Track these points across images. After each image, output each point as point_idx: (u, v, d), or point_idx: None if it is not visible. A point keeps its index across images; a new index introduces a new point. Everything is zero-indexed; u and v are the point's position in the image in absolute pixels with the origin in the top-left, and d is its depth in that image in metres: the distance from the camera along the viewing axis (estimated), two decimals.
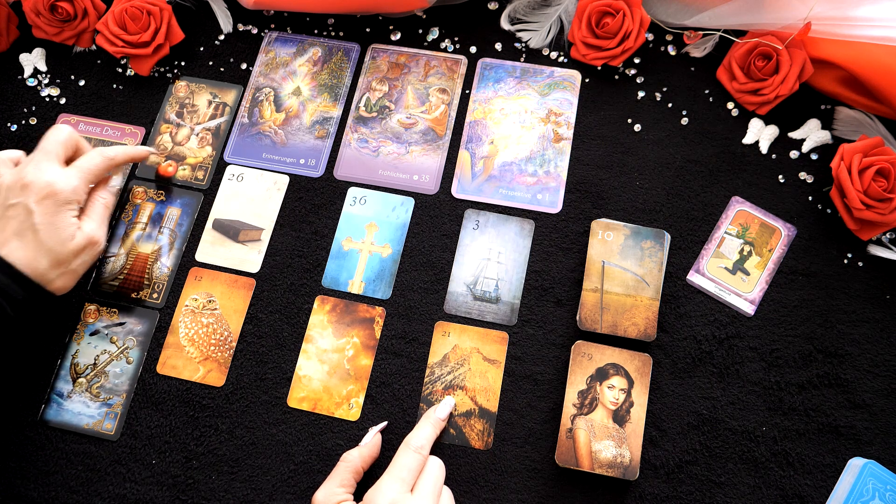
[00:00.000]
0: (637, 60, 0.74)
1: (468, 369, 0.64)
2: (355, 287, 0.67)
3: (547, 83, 0.74)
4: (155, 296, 0.68)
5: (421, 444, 0.57)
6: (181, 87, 0.76)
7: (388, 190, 0.71)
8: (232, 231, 0.70)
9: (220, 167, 0.72)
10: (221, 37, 0.78)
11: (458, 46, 0.76)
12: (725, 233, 0.67)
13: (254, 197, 0.71)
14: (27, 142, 0.74)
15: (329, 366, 0.65)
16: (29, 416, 0.64)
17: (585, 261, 0.64)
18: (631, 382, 0.60)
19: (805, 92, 0.71)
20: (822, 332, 0.64)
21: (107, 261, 0.69)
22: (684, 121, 0.72)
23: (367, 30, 0.78)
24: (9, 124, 0.75)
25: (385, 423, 0.62)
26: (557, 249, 0.68)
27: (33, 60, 0.77)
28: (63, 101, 0.76)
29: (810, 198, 0.68)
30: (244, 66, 0.77)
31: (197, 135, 0.74)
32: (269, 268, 0.68)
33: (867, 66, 0.65)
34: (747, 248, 0.67)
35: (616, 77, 0.74)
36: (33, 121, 0.75)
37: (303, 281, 0.68)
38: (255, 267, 0.68)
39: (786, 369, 0.63)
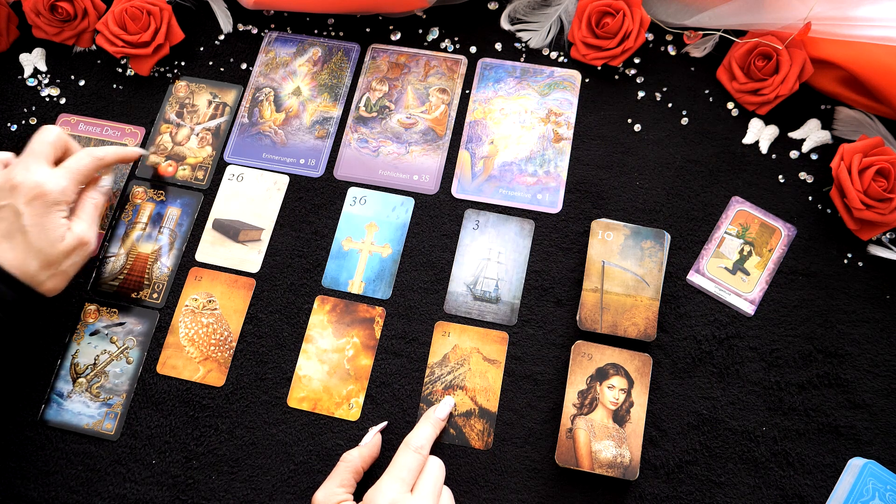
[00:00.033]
0: (637, 60, 0.74)
1: (468, 369, 0.64)
2: (355, 287, 0.67)
3: (547, 83, 0.74)
4: (155, 296, 0.68)
5: (421, 444, 0.57)
6: (181, 87, 0.76)
7: (388, 190, 0.71)
8: (232, 231, 0.70)
9: (220, 167, 0.72)
10: (221, 37, 0.78)
11: (458, 46, 0.76)
12: (725, 233, 0.67)
13: (254, 197, 0.71)
14: (27, 142, 0.74)
15: (329, 366, 0.65)
16: (29, 416, 0.64)
17: (585, 261, 0.64)
18: (631, 382, 0.60)
19: (805, 92, 0.71)
20: (822, 332, 0.64)
21: (107, 261, 0.69)
22: (684, 121, 0.72)
23: (367, 30, 0.78)
24: (9, 124, 0.75)
25: (385, 423, 0.62)
26: (557, 249, 0.68)
27: (33, 60, 0.77)
28: (63, 101, 0.76)
29: (810, 198, 0.68)
30: (244, 66, 0.77)
31: (197, 135, 0.74)
32: (269, 268, 0.68)
33: (867, 66, 0.65)
34: (747, 248, 0.67)
35: (616, 77, 0.74)
36: (33, 121, 0.75)
37: (303, 281, 0.68)
38: (255, 267, 0.68)
39: (786, 369, 0.63)
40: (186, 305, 0.67)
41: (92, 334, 0.67)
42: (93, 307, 0.67)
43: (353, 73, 0.76)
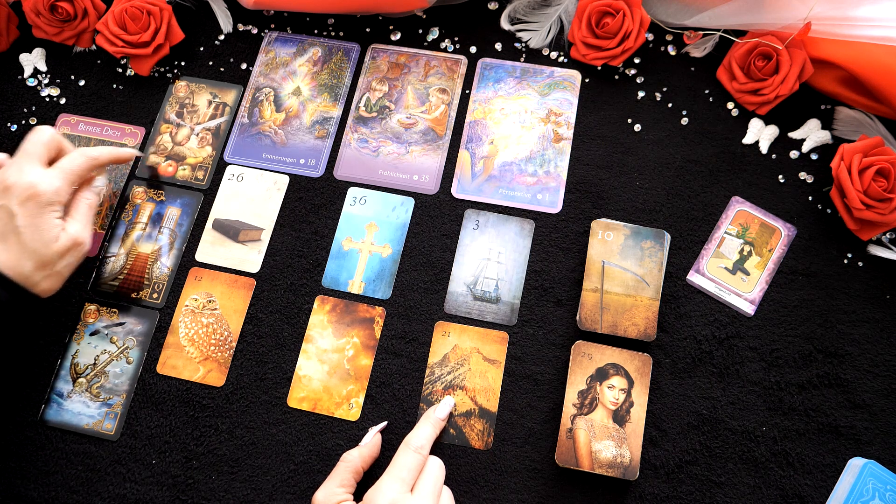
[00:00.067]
0: (637, 60, 0.74)
1: (468, 369, 0.64)
2: (355, 287, 0.67)
3: (547, 83, 0.74)
4: (155, 296, 0.68)
5: (421, 444, 0.57)
6: (181, 87, 0.76)
7: (388, 190, 0.71)
8: (232, 231, 0.70)
9: (220, 167, 0.72)
10: (221, 37, 0.78)
11: (458, 46, 0.76)
12: (725, 233, 0.67)
13: (254, 197, 0.71)
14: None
15: (329, 366, 0.65)
16: (29, 416, 0.64)
17: (585, 261, 0.64)
18: (631, 382, 0.60)
19: (805, 92, 0.71)
20: (822, 332, 0.64)
21: (107, 261, 0.69)
22: (684, 121, 0.72)
23: (367, 30, 0.78)
24: (9, 124, 0.75)
25: (385, 423, 0.62)
26: (557, 249, 0.68)
27: (33, 60, 0.77)
28: (63, 101, 0.76)
29: (810, 198, 0.68)
30: (244, 66, 0.77)
31: (197, 135, 0.74)
32: (269, 268, 0.68)
33: (867, 66, 0.65)
34: (747, 248, 0.67)
35: (616, 77, 0.74)
36: (33, 121, 0.75)
37: (303, 281, 0.68)
38: (255, 267, 0.68)
39: (786, 369, 0.63)
40: (186, 305, 0.67)
41: (92, 334, 0.67)
42: (93, 307, 0.67)
43: (353, 73, 0.76)
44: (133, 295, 0.68)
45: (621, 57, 0.72)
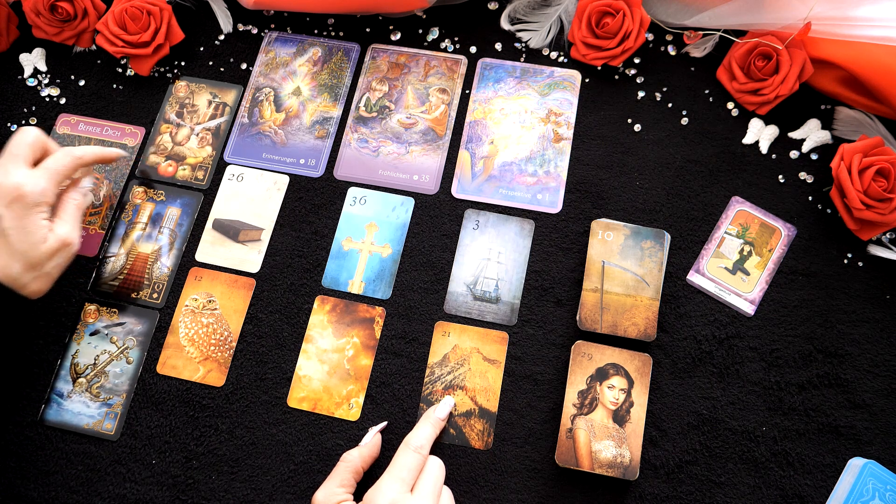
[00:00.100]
0: (637, 60, 0.74)
1: (468, 369, 0.64)
2: (355, 287, 0.67)
3: (547, 83, 0.74)
4: (155, 296, 0.68)
5: (421, 444, 0.57)
6: (181, 87, 0.76)
7: (388, 190, 0.71)
8: (232, 231, 0.70)
9: (220, 167, 0.72)
10: (221, 37, 0.78)
11: (458, 46, 0.76)
12: (725, 233, 0.67)
13: (254, 197, 0.71)
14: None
15: (329, 366, 0.65)
16: (29, 416, 0.64)
17: (585, 261, 0.64)
18: (631, 382, 0.60)
19: (805, 92, 0.71)
20: (822, 332, 0.64)
21: (107, 261, 0.69)
22: (684, 121, 0.72)
23: (367, 30, 0.78)
24: (9, 124, 0.75)
25: (385, 423, 0.62)
26: (557, 249, 0.68)
27: (33, 60, 0.77)
28: (63, 101, 0.76)
29: (810, 198, 0.68)
30: (244, 66, 0.77)
31: (197, 135, 0.74)
32: (269, 268, 0.68)
33: (867, 66, 0.65)
34: (747, 248, 0.67)
35: (616, 77, 0.74)
36: (33, 121, 0.75)
37: (303, 281, 0.68)
38: (255, 267, 0.68)
39: (786, 369, 0.63)
40: (186, 305, 0.67)
41: (92, 334, 0.67)
42: (93, 307, 0.67)
43: (353, 73, 0.76)
44: (133, 295, 0.68)
45: (621, 57, 0.72)
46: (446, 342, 0.65)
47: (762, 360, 0.63)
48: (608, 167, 0.70)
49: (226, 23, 0.78)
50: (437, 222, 0.69)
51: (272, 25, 0.79)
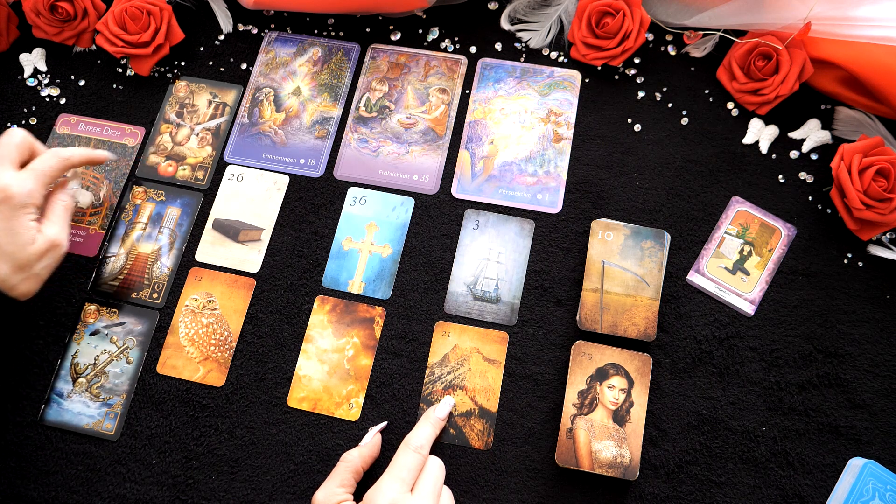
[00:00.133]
0: (637, 60, 0.74)
1: (468, 369, 0.64)
2: (355, 287, 0.67)
3: (547, 83, 0.74)
4: (155, 296, 0.68)
5: (420, 444, 0.57)
6: (181, 87, 0.76)
7: (388, 190, 0.71)
8: (232, 231, 0.70)
9: (220, 167, 0.72)
10: (221, 37, 0.78)
11: (458, 46, 0.76)
12: (725, 233, 0.67)
13: (254, 197, 0.71)
14: None
15: (329, 366, 0.65)
16: (29, 416, 0.64)
17: (585, 261, 0.64)
18: (631, 382, 0.60)
19: (805, 92, 0.71)
20: (822, 332, 0.64)
21: (107, 261, 0.69)
22: (684, 121, 0.72)
23: (367, 30, 0.78)
24: (9, 124, 0.75)
25: (385, 423, 0.62)
26: (557, 249, 0.68)
27: (33, 60, 0.77)
28: (63, 101, 0.76)
29: (810, 198, 0.68)
30: (244, 66, 0.77)
31: (197, 135, 0.74)
32: (269, 268, 0.68)
33: (867, 66, 0.65)
34: (747, 248, 0.67)
35: (616, 77, 0.74)
36: (33, 121, 0.75)
37: (303, 281, 0.68)
38: (255, 267, 0.68)
39: (786, 369, 0.63)
40: (186, 305, 0.67)
41: (92, 334, 0.67)
42: (93, 307, 0.67)
43: (353, 73, 0.76)
44: (133, 295, 0.68)
45: (621, 57, 0.72)
46: (446, 342, 0.65)
47: (762, 360, 0.63)
48: (608, 167, 0.70)
49: (226, 23, 0.78)
50: (437, 222, 0.69)
51: (272, 25, 0.79)
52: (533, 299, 0.66)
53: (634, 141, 0.71)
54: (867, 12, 0.66)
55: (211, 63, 0.77)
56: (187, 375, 0.65)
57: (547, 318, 0.65)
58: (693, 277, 0.66)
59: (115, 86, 0.76)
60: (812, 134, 0.70)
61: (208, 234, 0.70)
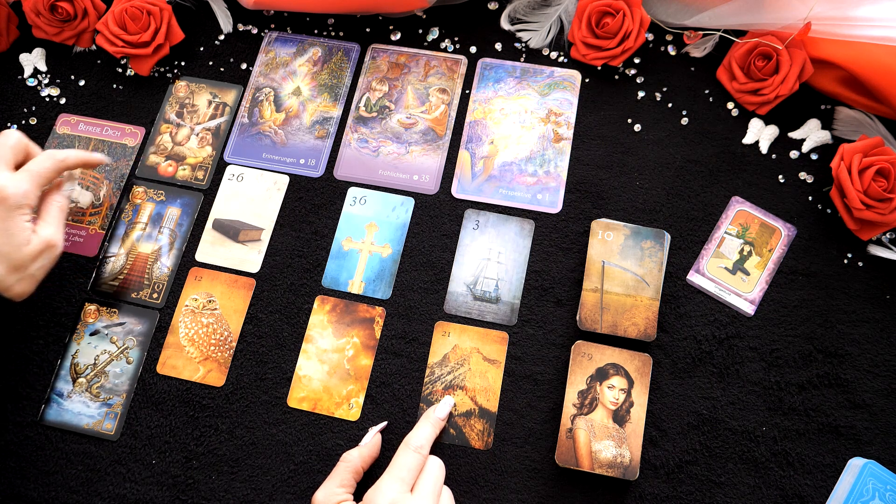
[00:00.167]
0: (637, 60, 0.74)
1: (468, 369, 0.64)
2: (355, 287, 0.67)
3: (547, 83, 0.74)
4: (155, 296, 0.68)
5: (420, 444, 0.57)
6: (181, 87, 0.76)
7: (388, 190, 0.71)
8: (232, 231, 0.70)
9: (220, 167, 0.72)
10: (221, 37, 0.78)
11: (458, 46, 0.76)
12: (725, 233, 0.67)
13: (254, 197, 0.71)
14: None
15: (329, 366, 0.65)
16: (29, 416, 0.64)
17: (585, 261, 0.64)
18: (631, 382, 0.60)
19: (805, 92, 0.71)
20: (822, 332, 0.64)
21: (107, 261, 0.69)
22: (684, 121, 0.72)
23: (367, 30, 0.78)
24: (9, 124, 0.75)
25: (385, 423, 0.62)
26: (557, 249, 0.68)
27: (33, 60, 0.77)
28: (63, 101, 0.76)
29: (810, 198, 0.68)
30: (244, 66, 0.77)
31: (197, 135, 0.74)
32: (269, 268, 0.68)
33: (867, 66, 0.65)
34: (747, 248, 0.67)
35: (616, 77, 0.74)
36: (33, 121, 0.75)
37: (303, 281, 0.68)
38: (255, 267, 0.68)
39: (786, 369, 0.63)
40: (186, 305, 0.67)
41: (92, 334, 0.67)
42: (93, 307, 0.67)
43: (353, 73, 0.76)
44: (133, 295, 0.68)
45: (621, 57, 0.72)
46: (446, 342, 0.65)
47: (762, 360, 0.63)
48: (608, 167, 0.70)
49: (226, 23, 0.78)
50: (437, 222, 0.69)
51: (272, 25, 0.79)
52: (533, 299, 0.66)
53: (634, 141, 0.71)
54: (867, 12, 0.66)
55: (211, 63, 0.77)
56: (187, 375, 0.65)
57: (547, 318, 0.65)
58: (693, 277, 0.66)
59: (115, 86, 0.76)
60: (812, 134, 0.70)
61: (208, 234, 0.70)
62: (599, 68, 0.74)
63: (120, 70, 0.77)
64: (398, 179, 0.71)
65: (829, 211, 0.68)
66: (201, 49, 0.78)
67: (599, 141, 0.71)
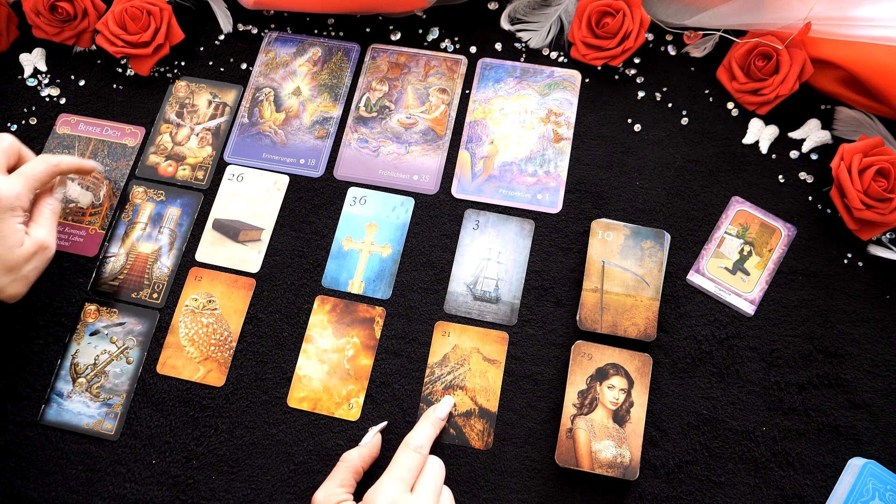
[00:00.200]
0: (637, 60, 0.74)
1: (468, 369, 0.64)
2: (355, 287, 0.67)
3: (547, 83, 0.74)
4: (155, 296, 0.68)
5: (420, 444, 0.57)
6: (181, 87, 0.76)
7: (388, 190, 0.71)
8: (232, 231, 0.70)
9: (220, 167, 0.72)
10: (221, 37, 0.78)
11: (458, 46, 0.76)
12: (725, 233, 0.67)
13: (254, 197, 0.71)
14: (27, 142, 0.74)
15: (329, 366, 0.65)
16: (29, 416, 0.64)
17: (585, 261, 0.64)
18: (631, 382, 0.60)
19: (805, 92, 0.71)
20: (822, 332, 0.64)
21: (107, 261, 0.69)
22: (684, 121, 0.72)
23: (367, 30, 0.78)
24: (9, 124, 0.75)
25: (385, 423, 0.62)
26: (557, 249, 0.68)
27: (33, 60, 0.77)
28: (63, 101, 0.76)
29: (810, 198, 0.68)
30: (244, 66, 0.77)
31: (197, 135, 0.74)
32: (269, 268, 0.68)
33: (867, 66, 0.65)
34: (747, 248, 0.67)
35: (616, 77, 0.74)
36: (33, 121, 0.75)
37: (303, 281, 0.68)
38: (255, 267, 0.68)
39: (786, 369, 0.63)
40: (186, 305, 0.67)
41: (92, 334, 0.67)
42: (93, 307, 0.67)
43: (353, 73, 0.76)
44: (133, 295, 0.68)
45: (621, 57, 0.72)
46: (446, 342, 0.65)
47: (762, 360, 0.63)
48: (608, 167, 0.70)
49: (226, 23, 0.78)
50: (437, 222, 0.69)
51: (272, 25, 0.79)
52: (533, 299, 0.66)
53: (634, 141, 0.71)
54: (867, 12, 0.66)
55: (211, 63, 0.77)
56: (187, 375, 0.65)
57: (547, 318, 0.65)
58: (693, 277, 0.66)
59: (115, 86, 0.76)
60: (812, 134, 0.70)
61: (208, 234, 0.70)
62: (599, 68, 0.74)
63: (120, 70, 0.77)
64: (398, 179, 0.71)
65: (829, 211, 0.68)
66: (201, 49, 0.78)
67: (599, 141, 0.71)
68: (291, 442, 0.62)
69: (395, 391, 0.64)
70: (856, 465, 0.59)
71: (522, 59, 0.75)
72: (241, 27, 0.78)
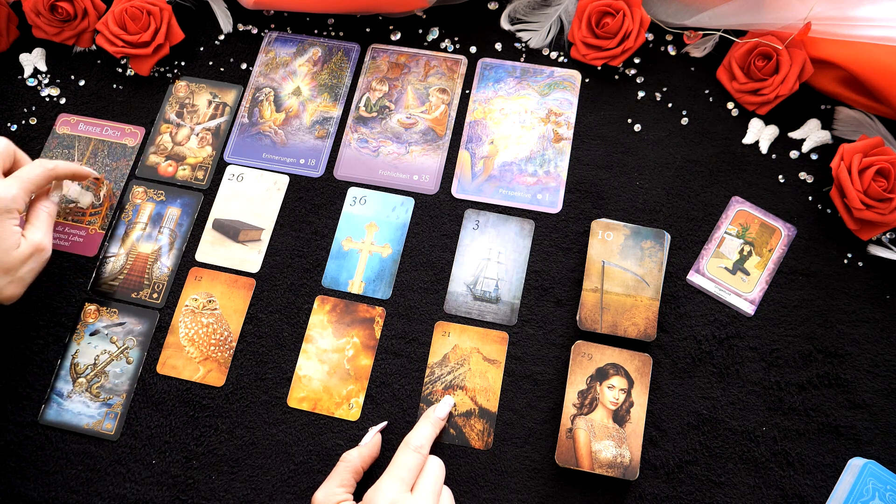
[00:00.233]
0: (637, 60, 0.74)
1: (468, 369, 0.64)
2: (355, 287, 0.67)
3: (547, 83, 0.74)
4: (155, 296, 0.68)
5: (420, 444, 0.57)
6: (181, 87, 0.76)
7: (388, 190, 0.71)
8: (232, 231, 0.70)
9: (220, 167, 0.72)
10: (221, 37, 0.78)
11: (458, 46, 0.76)
12: (725, 233, 0.67)
13: (254, 197, 0.71)
14: (27, 142, 0.74)
15: (329, 366, 0.65)
16: (29, 416, 0.64)
17: (585, 261, 0.64)
18: (631, 382, 0.60)
19: (805, 92, 0.71)
20: (822, 332, 0.64)
21: (107, 261, 0.69)
22: (684, 121, 0.72)
23: (367, 30, 0.78)
24: (9, 124, 0.75)
25: (385, 423, 0.62)
26: (557, 249, 0.68)
27: (33, 60, 0.77)
28: (63, 101, 0.76)
29: (810, 198, 0.68)
30: (244, 66, 0.77)
31: (197, 135, 0.74)
32: (269, 268, 0.68)
33: (867, 66, 0.65)
34: (747, 248, 0.67)
35: (616, 77, 0.74)
36: (33, 121, 0.75)
37: (303, 281, 0.68)
38: (255, 267, 0.68)
39: (786, 369, 0.63)
40: (186, 305, 0.67)
41: (92, 334, 0.67)
42: (93, 307, 0.67)
43: (353, 73, 0.76)
44: (133, 295, 0.68)
45: (621, 57, 0.72)
46: (446, 342, 0.65)
47: (762, 360, 0.63)
48: (608, 167, 0.70)
49: (226, 23, 0.78)
50: (437, 222, 0.69)
51: (272, 25, 0.79)
52: (533, 299, 0.66)
53: (634, 141, 0.71)
54: (867, 12, 0.66)
55: (211, 63, 0.77)
56: (187, 375, 0.65)
57: (547, 318, 0.65)
58: (693, 277, 0.66)
59: (115, 86, 0.76)
60: (812, 134, 0.70)
61: (208, 234, 0.70)
62: (599, 68, 0.74)
63: (120, 70, 0.77)
64: (398, 179, 0.71)
65: (829, 211, 0.68)
66: (201, 49, 0.78)
67: (599, 141, 0.71)
68: (291, 442, 0.62)
69: (395, 391, 0.64)
70: (856, 465, 0.59)
71: (522, 59, 0.75)
72: (241, 27, 0.78)
